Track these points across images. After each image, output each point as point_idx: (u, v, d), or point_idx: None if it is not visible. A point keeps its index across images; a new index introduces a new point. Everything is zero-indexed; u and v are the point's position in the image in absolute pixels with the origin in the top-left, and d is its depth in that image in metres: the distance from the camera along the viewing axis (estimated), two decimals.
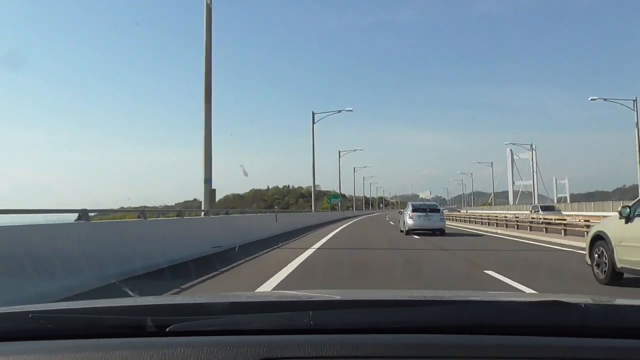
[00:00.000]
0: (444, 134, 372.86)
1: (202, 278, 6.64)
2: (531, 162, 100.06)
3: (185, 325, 1.09)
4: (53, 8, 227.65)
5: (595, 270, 6.42)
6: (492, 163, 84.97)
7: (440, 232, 17.64)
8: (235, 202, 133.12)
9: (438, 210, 18.35)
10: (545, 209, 29.26)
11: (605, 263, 6.13)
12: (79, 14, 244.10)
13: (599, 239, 6.38)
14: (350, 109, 37.33)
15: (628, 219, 5.83)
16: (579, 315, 1.09)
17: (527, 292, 5.33)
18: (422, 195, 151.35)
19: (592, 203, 40.54)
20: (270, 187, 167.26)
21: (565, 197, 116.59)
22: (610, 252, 6.00)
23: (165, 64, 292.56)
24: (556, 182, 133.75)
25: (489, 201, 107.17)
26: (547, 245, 13.13)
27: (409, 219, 17.69)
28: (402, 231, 18.31)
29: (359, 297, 1.58)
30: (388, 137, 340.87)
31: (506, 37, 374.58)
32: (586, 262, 6.76)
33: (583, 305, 1.11)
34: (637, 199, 6.31)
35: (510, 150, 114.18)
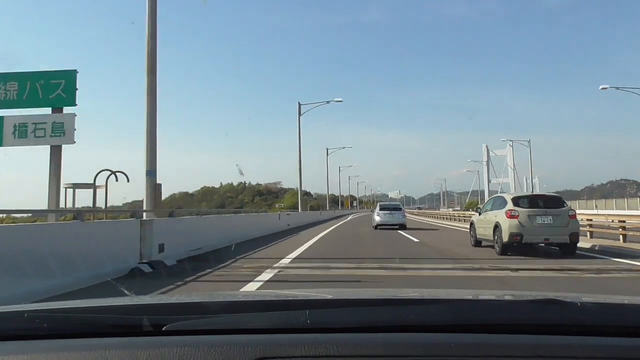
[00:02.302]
0: (413, 135, 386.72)
1: None
2: (508, 160, 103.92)
3: (181, 324, 1.13)
4: None
5: (470, 239, 13.08)
6: (464, 170, 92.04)
7: (402, 226, 21.85)
8: (183, 201, 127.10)
9: (400, 209, 23.35)
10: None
11: (474, 236, 12.73)
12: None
13: (472, 223, 13.06)
14: (340, 99, 35.69)
15: (480, 213, 12.42)
16: (576, 313, 1.13)
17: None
18: (391, 194, 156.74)
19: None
20: (226, 183, 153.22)
21: None
22: (475, 230, 12.67)
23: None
24: (526, 181, 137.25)
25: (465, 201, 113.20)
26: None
27: (377, 216, 22.38)
28: (373, 226, 22.54)
29: (355, 296, 1.64)
30: (358, 137, 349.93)
31: (475, 39, 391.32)
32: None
33: (579, 304, 1.15)
34: (484, 203, 12.86)
35: (487, 147, 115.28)
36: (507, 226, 10.14)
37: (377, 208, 23.28)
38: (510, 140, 43.49)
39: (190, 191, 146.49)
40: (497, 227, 10.64)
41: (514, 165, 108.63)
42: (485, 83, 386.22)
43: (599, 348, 1.01)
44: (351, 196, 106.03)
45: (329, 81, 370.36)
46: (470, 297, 1.58)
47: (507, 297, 1.56)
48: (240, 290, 5.98)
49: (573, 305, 1.16)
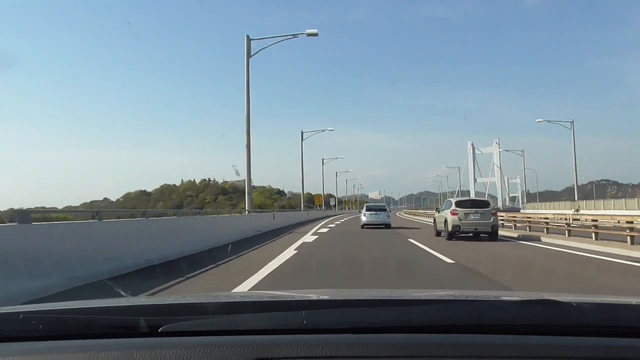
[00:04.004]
0: (392, 135, 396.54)
1: None
2: (495, 159, 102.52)
3: (178, 325, 1.17)
4: None
5: (434, 231, 18.71)
6: (447, 177, 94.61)
7: (387, 226, 24.34)
8: (138, 200, 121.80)
9: (385, 210, 25.82)
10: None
11: (435, 228, 18.35)
12: None
13: (434, 219, 18.64)
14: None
15: (438, 212, 17.85)
16: (571, 313, 1.19)
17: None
18: (371, 195, 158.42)
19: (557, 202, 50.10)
20: (196, 181, 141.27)
21: (517, 197, 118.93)
22: (435, 224, 18.39)
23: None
24: (508, 181, 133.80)
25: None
26: None
27: (363, 216, 25.03)
28: (361, 226, 24.80)
29: (352, 297, 1.69)
30: (337, 138, 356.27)
31: (454, 41, 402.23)
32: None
33: (574, 304, 1.20)
34: (443, 204, 18.16)
35: (472, 144, 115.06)
36: (451, 220, 15.72)
37: (364, 209, 26.07)
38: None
39: (150, 189, 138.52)
40: (445, 221, 16.25)
41: (500, 164, 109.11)
42: (465, 84, 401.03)
43: (594, 348, 1.05)
44: (329, 194, 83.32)
45: (312, 81, 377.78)
46: (467, 297, 1.64)
47: (503, 298, 1.61)
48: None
49: (569, 305, 1.21)
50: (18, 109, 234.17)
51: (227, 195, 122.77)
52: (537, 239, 16.22)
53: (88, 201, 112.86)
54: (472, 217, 15.91)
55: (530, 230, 19.10)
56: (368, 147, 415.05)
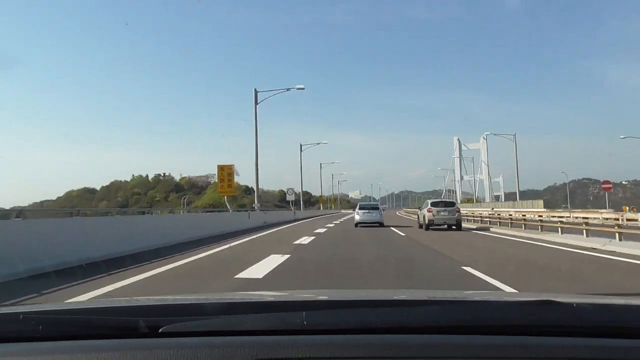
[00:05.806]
0: (370, 136, 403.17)
1: None
2: (483, 155, 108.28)
3: (177, 326, 1.19)
4: None
5: (417, 224, 25.47)
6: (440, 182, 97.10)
7: (380, 224, 26.04)
8: (80, 199, 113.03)
9: (377, 208, 27.62)
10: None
11: (418, 222, 25.40)
12: None
13: (418, 216, 25.51)
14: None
15: (420, 210, 24.34)
16: (571, 314, 1.21)
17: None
18: (351, 194, 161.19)
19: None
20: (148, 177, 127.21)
21: (500, 195, 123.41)
22: (418, 219, 25.70)
23: None
24: (490, 180, 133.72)
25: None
26: None
27: (357, 215, 26.65)
28: (354, 224, 26.50)
29: (352, 298, 1.73)
30: (318, 138, 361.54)
31: (433, 43, 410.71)
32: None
33: (575, 305, 1.24)
34: (423, 204, 24.66)
35: (458, 139, 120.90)
36: (427, 216, 22.76)
37: (357, 207, 27.73)
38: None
39: (98, 187, 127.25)
40: (424, 217, 22.87)
41: (487, 161, 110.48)
42: (443, 86, 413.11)
43: (594, 349, 1.08)
44: (305, 192, 60.02)
45: (294, 81, 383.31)
46: (466, 298, 1.69)
47: (503, 299, 1.65)
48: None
49: (569, 306, 1.24)
50: None
51: (181, 192, 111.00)
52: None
53: (38, 201, 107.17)
54: (442, 214, 22.83)
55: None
56: (348, 147, 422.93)
